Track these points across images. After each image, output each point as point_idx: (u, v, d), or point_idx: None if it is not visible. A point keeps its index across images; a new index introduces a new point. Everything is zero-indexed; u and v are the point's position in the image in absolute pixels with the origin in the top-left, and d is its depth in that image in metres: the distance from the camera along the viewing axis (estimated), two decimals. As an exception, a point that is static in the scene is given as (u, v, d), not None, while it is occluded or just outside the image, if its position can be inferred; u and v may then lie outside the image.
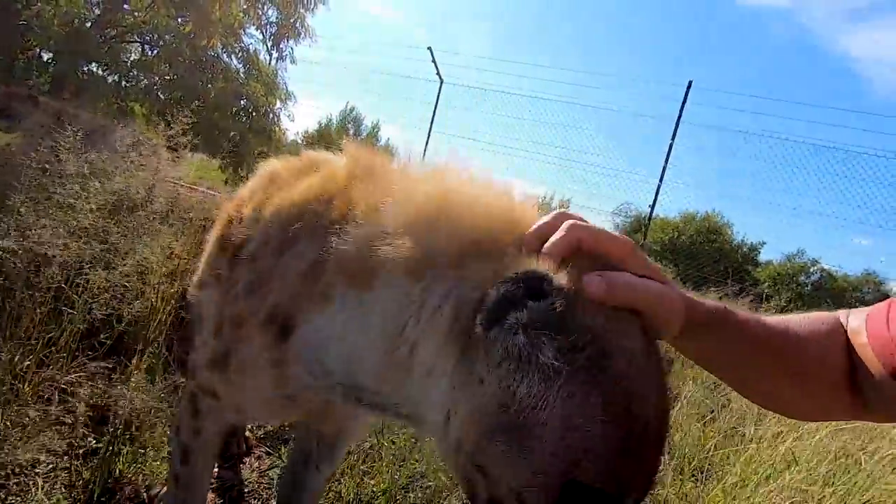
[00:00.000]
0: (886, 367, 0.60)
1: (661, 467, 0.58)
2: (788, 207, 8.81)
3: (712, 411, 2.52)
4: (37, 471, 1.28)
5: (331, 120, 21.97)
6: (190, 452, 0.97)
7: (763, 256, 16.86)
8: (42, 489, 1.19)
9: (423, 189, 0.69)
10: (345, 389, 0.76)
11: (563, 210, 0.61)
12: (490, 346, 0.54)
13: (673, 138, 8.13)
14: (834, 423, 1.74)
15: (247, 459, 1.72)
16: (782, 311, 3.85)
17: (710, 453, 1.96)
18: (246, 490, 1.58)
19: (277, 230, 0.83)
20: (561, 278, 0.53)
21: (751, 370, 0.69)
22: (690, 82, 8.07)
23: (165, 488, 1.34)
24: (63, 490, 1.26)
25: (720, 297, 5.04)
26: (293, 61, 11.42)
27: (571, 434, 0.50)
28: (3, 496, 1.16)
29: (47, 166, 1.49)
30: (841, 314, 0.69)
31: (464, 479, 0.59)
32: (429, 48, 10.04)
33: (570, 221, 0.58)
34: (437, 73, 10.21)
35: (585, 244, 0.57)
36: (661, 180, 8.12)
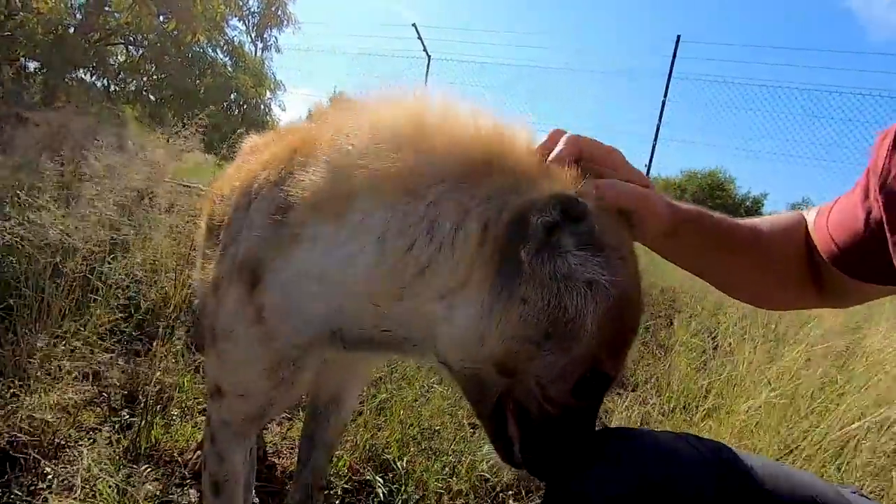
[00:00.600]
0: (825, 254, 0.70)
1: None
2: (789, 156, 8.78)
3: (704, 352, 2.64)
4: (80, 444, 1.42)
5: (321, 105, 21.80)
6: (219, 482, 0.94)
7: (767, 208, 16.85)
8: (88, 457, 1.33)
9: (402, 112, 0.69)
10: (331, 336, 0.76)
11: (556, 129, 0.70)
12: (536, 269, 0.60)
13: (665, 94, 8.09)
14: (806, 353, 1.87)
15: (269, 425, 1.87)
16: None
17: (700, 389, 2.09)
18: (270, 451, 1.73)
19: (246, 190, 0.86)
20: (590, 201, 0.61)
21: (725, 265, 0.79)
22: (679, 36, 8.00)
23: (198, 452, 1.47)
24: (106, 459, 1.40)
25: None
26: (278, 50, 11.36)
27: (601, 334, 0.60)
28: (55, 465, 1.30)
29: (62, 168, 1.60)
30: (807, 212, 0.78)
31: (477, 383, 0.67)
32: (413, 24, 9.95)
33: (568, 135, 0.67)
34: (424, 49, 10.14)
35: (585, 154, 0.67)
36: (655, 139, 8.12)
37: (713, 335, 2.85)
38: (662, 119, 8.09)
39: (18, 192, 1.90)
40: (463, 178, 0.64)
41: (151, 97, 8.73)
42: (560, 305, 0.60)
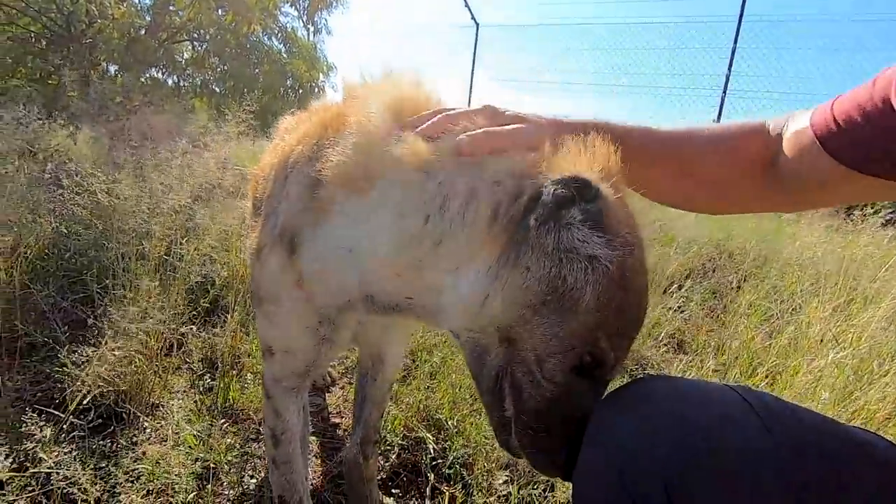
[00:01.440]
0: (823, 143, 0.68)
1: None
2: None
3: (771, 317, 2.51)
4: (171, 403, 1.62)
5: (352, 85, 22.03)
6: (277, 435, 1.03)
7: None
8: (177, 414, 1.52)
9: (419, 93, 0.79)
10: (364, 301, 0.83)
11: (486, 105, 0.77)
12: (541, 239, 0.63)
13: (735, 41, 7.44)
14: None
15: (333, 388, 2.02)
16: (865, 217, 3.59)
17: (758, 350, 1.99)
18: (333, 413, 1.88)
19: (283, 164, 0.93)
20: (605, 185, 0.63)
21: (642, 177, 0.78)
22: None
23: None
24: (192, 415, 1.59)
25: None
26: (329, 32, 11.54)
27: (600, 312, 0.62)
28: (151, 420, 1.50)
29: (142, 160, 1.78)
30: (770, 121, 0.77)
31: (480, 353, 0.72)
32: (459, -8, 9.72)
33: (446, 113, 0.75)
34: (472, 17, 9.90)
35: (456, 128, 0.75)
36: (724, 91, 7.52)
37: (783, 298, 2.68)
38: (732, 69, 7.47)
39: (107, 183, 2.13)
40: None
41: (216, 89, 9.23)
42: (560, 275, 0.62)
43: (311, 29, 11.28)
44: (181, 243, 1.83)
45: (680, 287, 2.95)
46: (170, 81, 9.16)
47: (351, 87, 0.93)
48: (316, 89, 10.56)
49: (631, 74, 8.81)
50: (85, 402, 1.36)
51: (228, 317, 1.93)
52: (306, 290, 0.87)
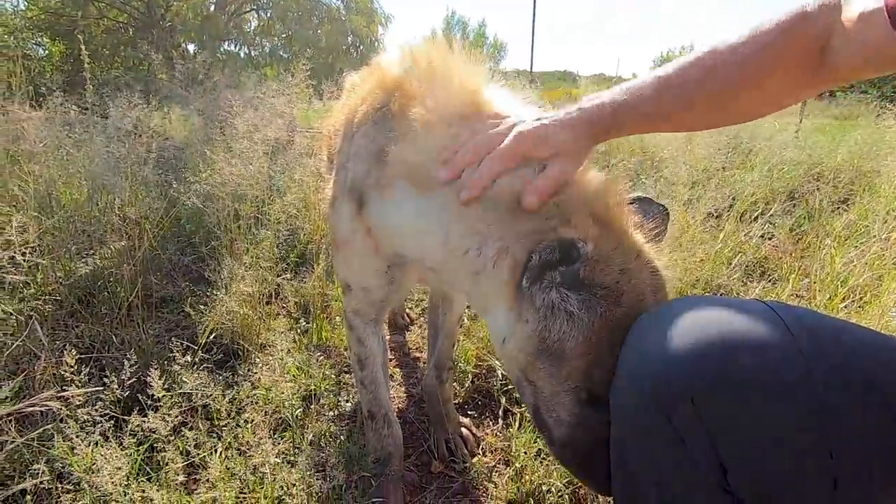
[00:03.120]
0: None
1: None
2: None
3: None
4: (276, 342, 1.88)
5: (435, 31, 21.46)
6: (362, 359, 1.18)
7: None
8: (281, 350, 1.77)
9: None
10: (421, 267, 0.94)
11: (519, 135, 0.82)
12: (533, 296, 0.74)
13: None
14: None
15: (412, 328, 2.22)
16: None
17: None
18: (413, 349, 2.07)
19: (349, 121, 1.03)
20: (588, 246, 0.71)
21: (686, 122, 0.81)
22: None
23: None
24: (293, 350, 1.84)
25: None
26: (383, -19, 11.31)
27: (591, 356, 0.71)
28: (261, 356, 1.77)
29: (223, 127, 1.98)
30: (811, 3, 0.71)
31: (519, 387, 0.83)
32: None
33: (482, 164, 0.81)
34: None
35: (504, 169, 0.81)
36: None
37: (885, 219, 2.44)
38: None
39: (205, 152, 2.40)
40: (511, 213, 0.79)
41: (283, 55, 9.55)
42: (547, 328, 0.73)
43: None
44: (267, 203, 2.04)
45: (764, 213, 2.77)
46: (241, 53, 9.61)
47: (408, 52, 0.98)
48: (376, 43, 10.55)
49: None
50: (209, 339, 1.64)
51: (315, 267, 2.16)
52: (374, 240, 0.98)
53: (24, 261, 1.91)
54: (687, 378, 0.54)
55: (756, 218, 2.78)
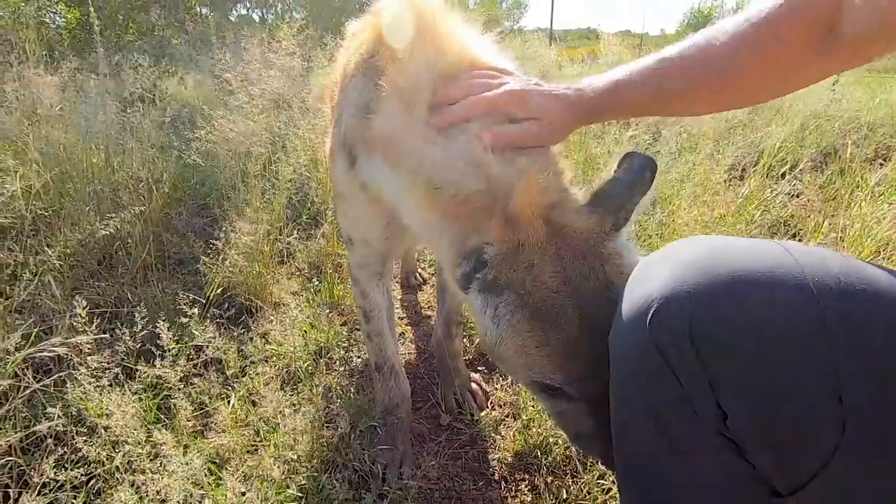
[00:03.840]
0: None
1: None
2: None
3: None
4: (289, 301, 1.91)
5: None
6: (367, 312, 1.19)
7: None
8: (294, 308, 1.80)
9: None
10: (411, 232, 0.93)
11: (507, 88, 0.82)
12: (470, 301, 0.76)
13: None
14: None
15: (424, 287, 2.22)
16: None
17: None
18: (423, 307, 2.07)
19: (344, 72, 1.01)
20: (490, 250, 0.72)
21: (686, 103, 0.79)
22: None
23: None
24: (305, 308, 1.86)
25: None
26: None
27: (522, 356, 0.73)
28: (275, 314, 1.79)
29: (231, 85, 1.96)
30: None
31: None
32: None
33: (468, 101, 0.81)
34: None
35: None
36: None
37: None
38: None
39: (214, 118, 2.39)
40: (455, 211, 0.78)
41: (296, 16, 9.35)
42: (484, 331, 0.75)
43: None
44: (274, 161, 2.03)
45: (792, 168, 2.65)
46: (255, 16, 9.45)
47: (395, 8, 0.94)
48: None
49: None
50: (223, 297, 1.67)
51: (326, 228, 2.16)
52: (370, 195, 0.96)
53: (44, 223, 1.96)
54: (688, 315, 0.51)
55: (784, 174, 2.66)
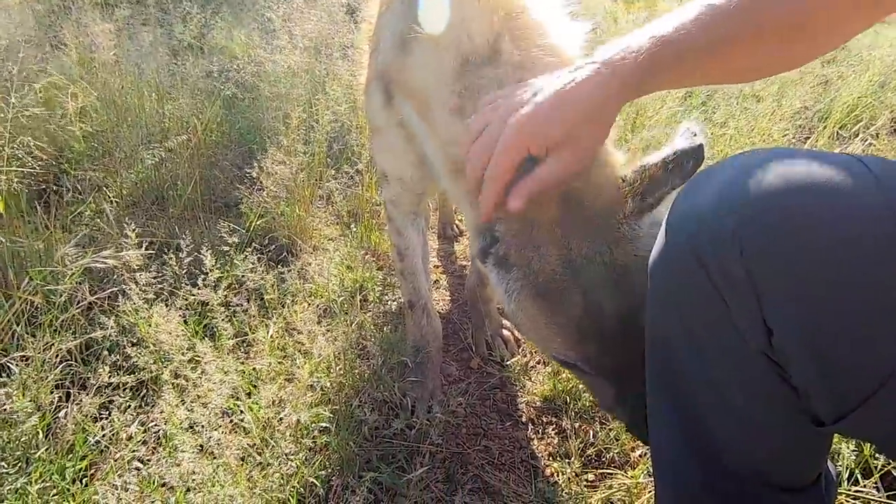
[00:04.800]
0: None
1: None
2: None
3: None
4: (327, 246, 1.95)
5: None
6: (401, 251, 1.20)
7: None
8: (334, 253, 1.83)
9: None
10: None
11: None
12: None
13: None
14: None
15: (461, 238, 2.21)
16: None
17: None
18: (460, 257, 2.07)
19: (380, 3, 0.99)
20: (500, 227, 0.72)
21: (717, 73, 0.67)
22: None
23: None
24: (345, 254, 1.90)
25: None
26: None
27: (535, 331, 0.75)
28: (314, 257, 1.84)
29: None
30: None
31: None
32: None
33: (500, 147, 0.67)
34: None
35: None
36: None
37: None
38: None
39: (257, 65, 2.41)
40: None
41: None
42: (503, 303, 0.77)
43: None
44: (314, 104, 2.04)
45: (867, 127, 2.43)
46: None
47: None
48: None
49: None
50: (263, 235, 1.72)
51: (366, 177, 2.17)
52: (406, 133, 0.93)
53: (102, 165, 2.06)
54: (737, 222, 0.47)
55: (857, 133, 2.44)
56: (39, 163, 1.59)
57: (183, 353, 0.96)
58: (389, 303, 1.63)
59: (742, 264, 0.47)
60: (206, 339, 1.22)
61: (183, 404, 0.90)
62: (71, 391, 1.00)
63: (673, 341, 0.57)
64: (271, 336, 1.29)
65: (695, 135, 0.66)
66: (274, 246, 1.83)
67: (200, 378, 0.93)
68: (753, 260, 0.46)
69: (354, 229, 2.00)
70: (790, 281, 0.45)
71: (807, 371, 0.47)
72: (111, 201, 1.65)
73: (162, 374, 0.97)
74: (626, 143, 2.04)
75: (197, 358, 0.99)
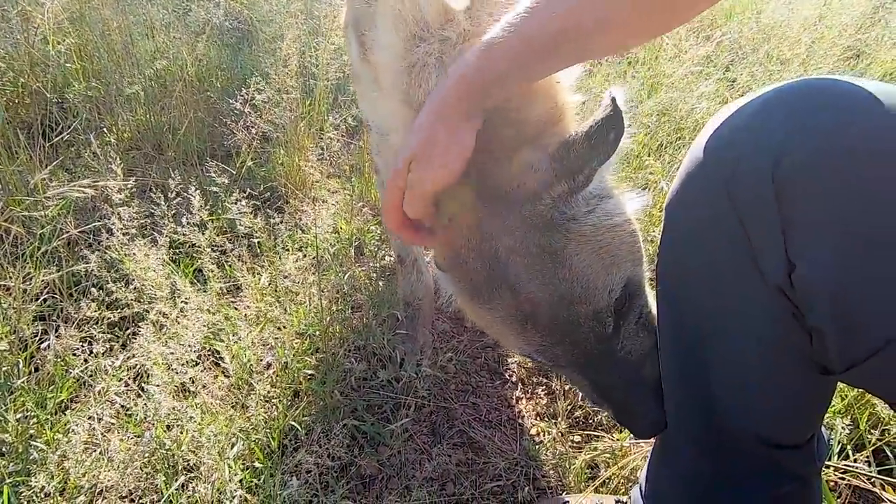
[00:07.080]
0: None
1: None
2: None
3: None
4: (326, 199, 1.91)
5: None
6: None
7: None
8: (332, 206, 1.79)
9: None
10: None
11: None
12: None
13: None
14: None
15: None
16: None
17: None
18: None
19: None
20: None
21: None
22: None
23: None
24: (343, 208, 1.86)
25: None
26: None
27: (489, 328, 0.75)
28: (312, 208, 1.80)
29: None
30: None
31: None
32: None
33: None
34: None
35: None
36: None
37: None
38: None
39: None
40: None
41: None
42: None
43: None
44: (313, 48, 1.96)
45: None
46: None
47: None
48: None
49: None
50: (263, 189, 1.68)
51: (366, 134, 2.10)
52: (382, 87, 0.86)
53: (105, 106, 2.01)
54: (773, 146, 0.43)
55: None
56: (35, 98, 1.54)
57: (162, 290, 0.94)
58: (387, 257, 1.61)
59: (773, 192, 0.43)
60: (196, 282, 1.21)
61: (159, 340, 0.88)
62: (56, 324, 0.99)
63: (690, 279, 0.54)
64: (261, 282, 1.27)
65: (614, 100, 0.59)
66: (270, 194, 1.80)
67: (179, 316, 0.92)
68: (785, 187, 0.42)
69: (354, 182, 1.96)
70: (821, 209, 0.42)
71: (823, 312, 0.43)
72: (109, 143, 1.60)
73: (145, 310, 0.95)
74: (640, 106, 1.95)
75: (179, 296, 0.97)
